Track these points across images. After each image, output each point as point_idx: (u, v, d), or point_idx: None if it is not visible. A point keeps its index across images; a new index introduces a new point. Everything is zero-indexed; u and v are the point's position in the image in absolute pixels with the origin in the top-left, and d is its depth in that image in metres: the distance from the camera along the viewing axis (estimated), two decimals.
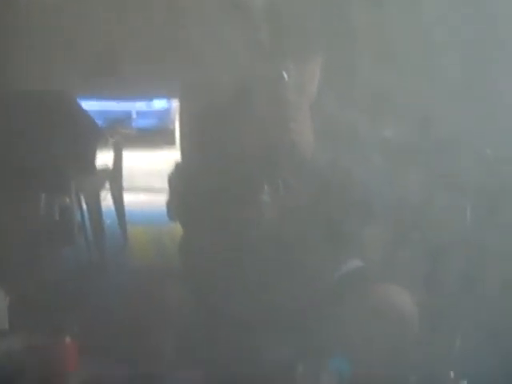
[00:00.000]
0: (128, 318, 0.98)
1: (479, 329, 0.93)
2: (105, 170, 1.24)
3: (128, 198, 1.16)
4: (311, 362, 0.92)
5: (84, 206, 1.17)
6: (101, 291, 1.04)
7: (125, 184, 1.21)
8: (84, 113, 1.21)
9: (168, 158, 1.10)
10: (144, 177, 1.19)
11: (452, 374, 0.96)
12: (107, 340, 0.97)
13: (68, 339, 0.93)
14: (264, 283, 0.97)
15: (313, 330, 0.95)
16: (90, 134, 1.20)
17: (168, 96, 1.17)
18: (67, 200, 1.15)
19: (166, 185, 1.04)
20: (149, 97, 1.20)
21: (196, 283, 1.01)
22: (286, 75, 0.96)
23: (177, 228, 1.06)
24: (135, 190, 1.16)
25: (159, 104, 1.20)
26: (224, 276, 0.98)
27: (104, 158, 1.21)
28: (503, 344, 0.92)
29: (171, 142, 1.16)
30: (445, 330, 0.95)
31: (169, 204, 1.03)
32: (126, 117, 1.22)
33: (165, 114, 1.19)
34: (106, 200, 1.17)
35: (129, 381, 0.93)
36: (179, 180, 1.03)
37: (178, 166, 1.04)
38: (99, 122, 1.19)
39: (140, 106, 1.23)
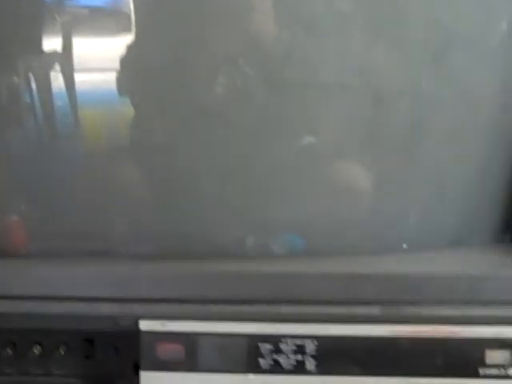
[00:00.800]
0: (78, 197, 0.98)
1: (430, 195, 0.93)
2: (54, 50, 1.19)
3: (79, 79, 1.11)
4: (261, 235, 0.93)
5: (33, 87, 1.12)
6: (51, 173, 1.02)
7: (76, 65, 1.16)
8: None
9: (122, 40, 1.05)
10: (96, 58, 1.14)
11: (405, 245, 0.97)
12: (56, 219, 0.96)
13: (15, 217, 0.92)
14: (216, 160, 0.96)
15: (264, 205, 0.95)
16: (36, 11, 1.14)
17: None
18: (15, 79, 1.10)
19: (118, 66, 1.00)
20: None
21: (147, 163, 1.00)
22: None
23: (129, 109, 1.03)
24: (86, 71, 1.11)
25: None
26: (174, 155, 0.97)
27: (53, 38, 1.16)
28: (453, 209, 0.93)
29: (124, 23, 1.11)
30: (397, 200, 0.95)
31: (119, 80, 1.01)
32: None
33: None
34: (57, 81, 1.12)
35: (78, 256, 0.92)
36: (131, 58, 1.00)
37: (130, 45, 1.00)
38: None
39: None
